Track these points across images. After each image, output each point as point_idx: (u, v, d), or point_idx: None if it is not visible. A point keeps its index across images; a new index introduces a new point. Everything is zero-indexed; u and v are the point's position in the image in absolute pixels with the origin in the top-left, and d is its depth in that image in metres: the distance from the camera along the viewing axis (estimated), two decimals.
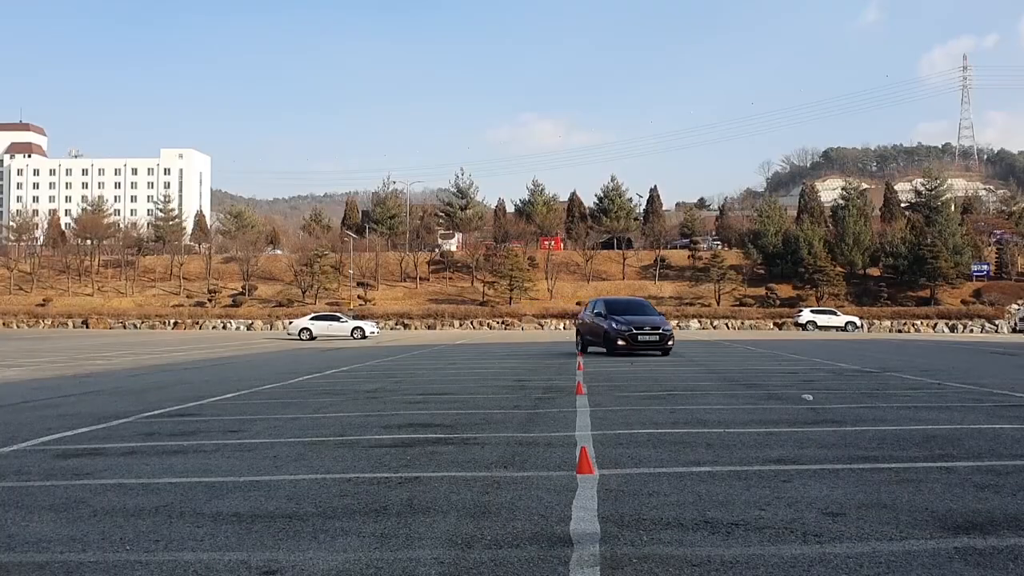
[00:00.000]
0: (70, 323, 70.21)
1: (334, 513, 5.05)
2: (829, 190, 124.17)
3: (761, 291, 71.73)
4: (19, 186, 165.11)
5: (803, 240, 73.79)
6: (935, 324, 63.30)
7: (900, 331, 61.64)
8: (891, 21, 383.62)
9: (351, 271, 73.88)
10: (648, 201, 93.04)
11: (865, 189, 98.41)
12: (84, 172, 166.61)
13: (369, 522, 4.81)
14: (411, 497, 5.43)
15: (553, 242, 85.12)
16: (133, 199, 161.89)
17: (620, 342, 21.77)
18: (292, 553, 4.22)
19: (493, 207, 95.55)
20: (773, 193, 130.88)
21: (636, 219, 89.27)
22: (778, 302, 69.33)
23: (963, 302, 67.99)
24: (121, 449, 7.60)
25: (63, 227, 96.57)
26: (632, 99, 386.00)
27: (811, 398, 11.38)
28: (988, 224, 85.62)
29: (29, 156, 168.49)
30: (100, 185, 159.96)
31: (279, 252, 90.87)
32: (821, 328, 58.88)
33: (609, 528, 4.60)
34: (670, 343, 22.30)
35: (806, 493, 5.43)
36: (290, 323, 46.70)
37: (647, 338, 21.96)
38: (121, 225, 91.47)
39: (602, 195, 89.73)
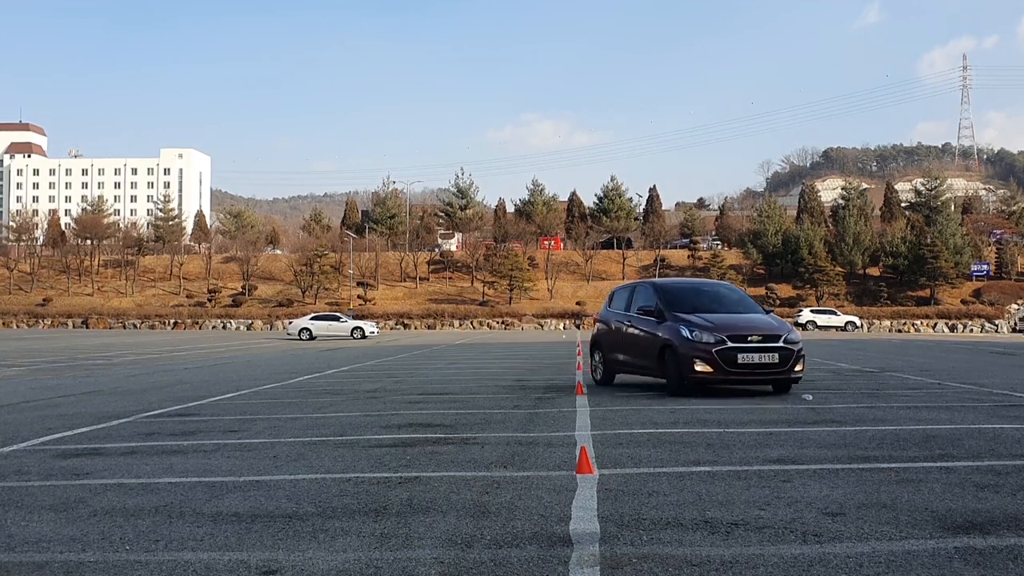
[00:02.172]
0: (70, 323, 70.21)
1: (334, 513, 5.04)
2: (829, 190, 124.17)
3: (761, 291, 71.69)
4: (19, 186, 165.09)
5: (803, 240, 73.81)
6: (935, 324, 63.32)
7: (900, 331, 61.65)
8: (891, 21, 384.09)
9: (351, 271, 73.88)
10: (648, 201, 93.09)
11: (865, 189, 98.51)
12: (84, 172, 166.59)
13: (369, 522, 4.80)
14: (411, 497, 5.43)
15: (553, 242, 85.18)
16: (133, 199, 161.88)
17: (701, 367, 11.25)
18: (292, 553, 4.22)
19: (493, 207, 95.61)
20: (773, 193, 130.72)
21: (636, 219, 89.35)
22: (778, 302, 69.26)
23: (963, 302, 68.01)
24: (121, 449, 7.60)
25: (63, 227, 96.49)
26: (632, 99, 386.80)
27: (811, 398, 11.38)
28: (988, 224, 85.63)
29: (29, 156, 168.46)
30: (100, 185, 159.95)
31: (279, 252, 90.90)
32: (821, 328, 58.90)
33: (609, 528, 4.60)
34: (798, 368, 11.65)
35: (806, 493, 5.42)
36: (290, 323, 46.71)
37: (756, 358, 11.27)
38: (121, 225, 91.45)
39: (602, 195, 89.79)
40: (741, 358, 11.22)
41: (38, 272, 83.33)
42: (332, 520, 4.86)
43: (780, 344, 11.45)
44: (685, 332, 11.52)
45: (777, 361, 11.36)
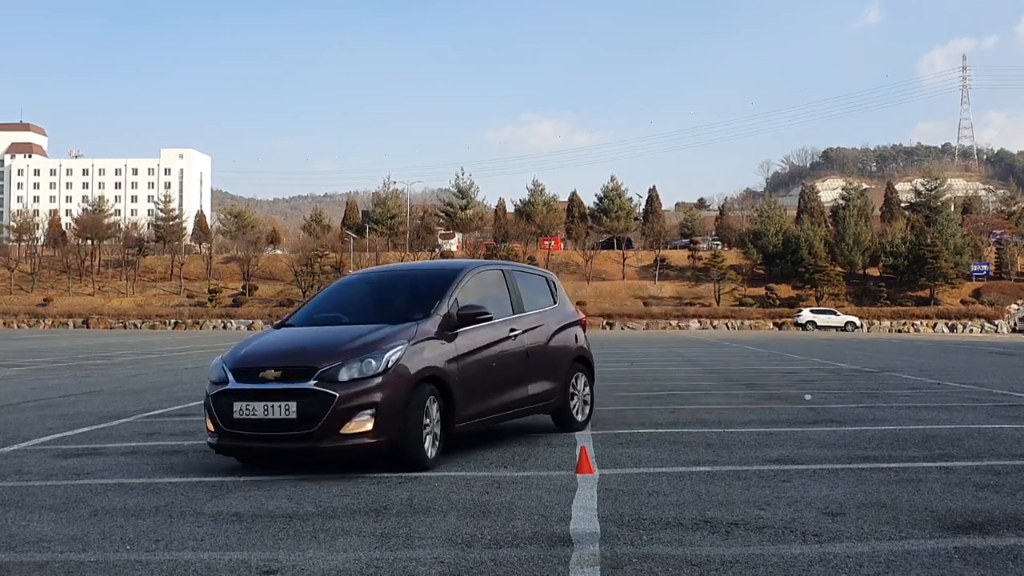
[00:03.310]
0: (71, 323, 70.21)
1: (334, 513, 5.05)
2: (829, 190, 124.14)
3: (761, 291, 71.75)
4: (19, 186, 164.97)
5: (803, 240, 73.83)
6: (935, 324, 63.35)
7: (900, 331, 61.65)
8: (891, 21, 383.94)
9: (351, 271, 73.86)
10: (648, 201, 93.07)
11: (865, 189, 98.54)
12: (84, 172, 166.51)
13: (369, 522, 4.81)
14: (411, 497, 5.44)
15: (553, 242, 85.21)
16: (133, 199, 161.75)
17: (207, 422, 6.48)
18: (292, 553, 4.22)
19: (493, 207, 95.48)
20: (773, 193, 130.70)
21: (636, 219, 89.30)
22: (778, 302, 69.35)
23: (963, 302, 68.04)
24: (121, 449, 7.60)
25: (64, 227, 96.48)
26: (632, 99, 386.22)
27: (811, 398, 11.40)
28: (988, 224, 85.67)
29: (29, 156, 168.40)
30: (100, 185, 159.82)
31: (279, 252, 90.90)
32: (821, 328, 58.92)
33: (609, 528, 4.60)
34: (348, 429, 6.03)
35: (806, 493, 5.43)
36: None
37: (260, 410, 6.12)
38: (121, 225, 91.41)
39: (602, 195, 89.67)
40: (238, 410, 6.25)
41: (39, 272, 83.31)
42: (332, 520, 4.87)
43: (307, 385, 6.14)
44: (213, 363, 6.79)
45: (293, 416, 6.08)
